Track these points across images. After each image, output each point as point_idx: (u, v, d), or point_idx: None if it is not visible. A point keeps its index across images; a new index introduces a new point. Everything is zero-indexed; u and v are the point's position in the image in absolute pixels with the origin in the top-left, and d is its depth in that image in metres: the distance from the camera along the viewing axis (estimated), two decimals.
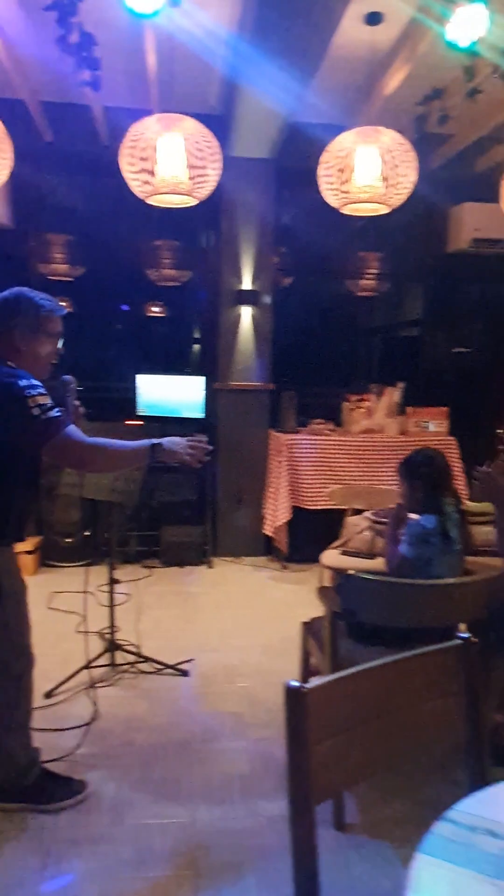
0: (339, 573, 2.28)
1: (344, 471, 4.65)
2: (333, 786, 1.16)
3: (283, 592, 4.33)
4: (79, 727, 2.56)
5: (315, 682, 1.08)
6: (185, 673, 3.07)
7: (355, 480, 4.55)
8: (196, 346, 6.74)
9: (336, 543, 3.03)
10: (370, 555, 2.78)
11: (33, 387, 1.84)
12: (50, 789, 2.14)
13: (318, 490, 4.52)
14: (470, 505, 2.82)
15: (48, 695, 2.78)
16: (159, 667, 3.09)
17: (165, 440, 1.97)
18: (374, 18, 3.41)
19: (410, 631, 2.11)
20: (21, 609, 2.04)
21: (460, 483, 3.96)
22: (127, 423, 4.75)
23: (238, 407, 4.99)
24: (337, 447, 4.69)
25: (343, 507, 3.55)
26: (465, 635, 1.24)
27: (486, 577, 2.14)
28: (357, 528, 3.03)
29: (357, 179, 3.25)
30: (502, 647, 2.22)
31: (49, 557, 4.61)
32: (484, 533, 2.61)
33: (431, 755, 2.12)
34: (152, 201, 3.29)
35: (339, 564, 2.63)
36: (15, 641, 2.03)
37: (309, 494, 4.59)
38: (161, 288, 5.82)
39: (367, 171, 3.24)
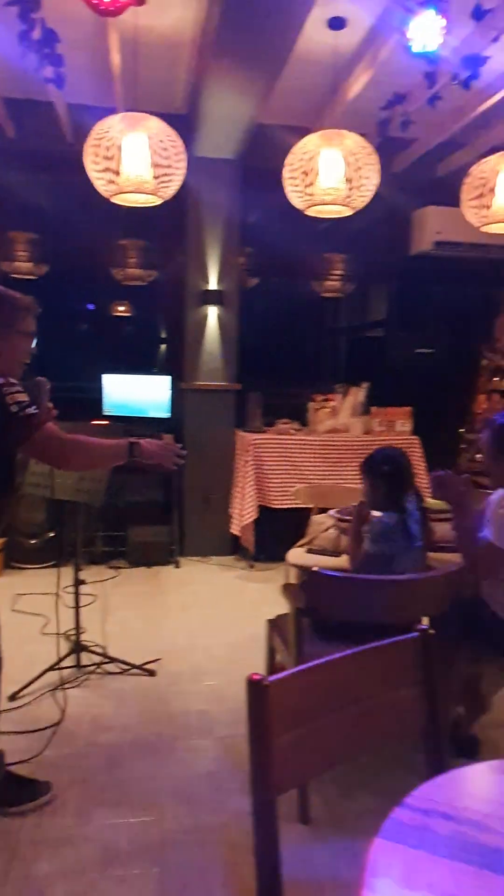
0: (304, 570, 2.31)
1: (309, 470, 4.69)
2: (295, 777, 1.18)
3: (250, 591, 4.35)
4: (44, 729, 2.53)
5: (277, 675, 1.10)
6: (151, 673, 3.07)
7: (321, 479, 4.60)
8: (162, 346, 6.73)
9: (302, 542, 3.06)
10: (335, 552, 2.82)
11: (10, 384, 1.84)
12: (15, 792, 2.13)
13: (284, 489, 4.55)
14: (431, 502, 2.88)
15: (12, 697, 2.75)
16: (125, 667, 3.08)
17: (143, 440, 1.98)
18: (337, 23, 3.46)
19: (374, 626, 2.15)
20: None
21: (423, 481, 4.03)
22: (93, 423, 4.72)
23: (204, 407, 5.00)
24: (302, 447, 4.74)
25: (309, 505, 3.59)
26: (424, 627, 1.27)
27: (446, 572, 2.19)
28: (322, 526, 3.07)
29: (321, 182, 3.29)
30: (462, 641, 2.28)
31: (13, 559, 4.55)
32: (445, 529, 2.68)
33: (392, 746, 2.16)
34: (117, 200, 3.28)
35: (304, 562, 2.66)
36: None
37: (275, 494, 4.62)
38: (127, 287, 5.80)
39: (331, 174, 3.28)
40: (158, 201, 3.29)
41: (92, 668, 3.07)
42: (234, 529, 4.77)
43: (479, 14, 2.95)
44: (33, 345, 2.05)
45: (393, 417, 4.91)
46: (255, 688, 1.03)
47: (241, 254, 5.13)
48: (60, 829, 2.04)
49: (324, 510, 3.28)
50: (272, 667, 2.68)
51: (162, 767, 2.38)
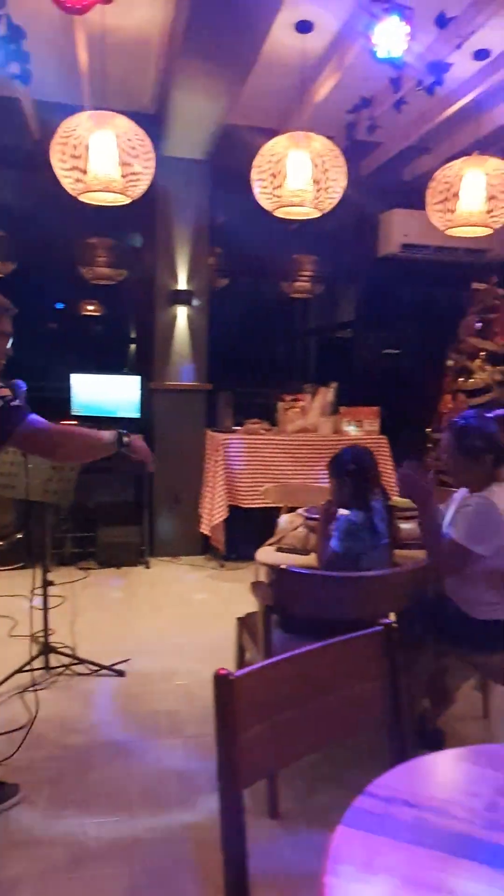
0: (273, 569, 2.34)
1: (279, 469, 4.72)
2: (262, 769, 1.20)
3: (220, 591, 4.36)
4: (14, 731, 2.51)
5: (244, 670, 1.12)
6: (121, 673, 3.06)
7: (290, 479, 4.64)
8: (132, 346, 6.69)
9: (271, 540, 3.09)
10: (305, 551, 2.85)
11: None
12: None
13: (253, 489, 4.57)
14: (398, 500, 2.93)
15: None
16: (95, 668, 3.06)
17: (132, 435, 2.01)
18: (304, 27, 3.49)
19: (341, 622, 2.18)
20: None
21: (391, 480, 4.10)
22: (62, 423, 4.66)
23: (174, 407, 5.00)
24: (272, 446, 4.77)
25: (278, 504, 3.62)
26: (388, 621, 1.30)
27: (411, 568, 2.24)
28: (291, 525, 3.10)
29: (289, 183, 3.32)
30: (427, 636, 2.33)
31: None
32: (411, 527, 2.73)
33: (360, 739, 2.20)
34: (85, 198, 3.27)
35: (273, 561, 2.69)
36: None
37: (245, 493, 4.64)
38: (96, 286, 5.76)
39: (299, 176, 3.31)
40: (127, 200, 3.28)
41: (61, 669, 3.05)
42: (205, 529, 4.78)
43: (442, 21, 3.01)
44: (9, 346, 2.05)
45: (361, 417, 4.97)
46: (222, 682, 1.04)
47: (210, 254, 5.14)
48: (29, 830, 2.03)
49: (293, 509, 3.31)
50: (242, 664, 2.70)
51: (132, 767, 2.38)
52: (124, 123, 3.14)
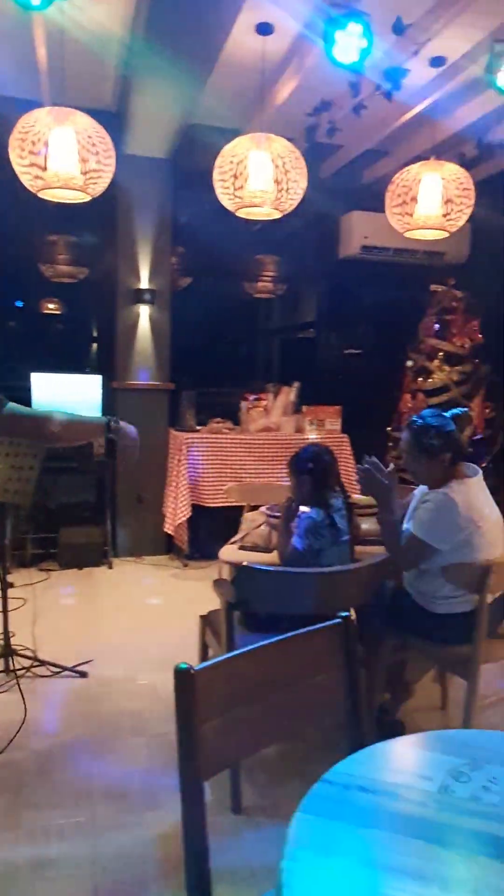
0: (235, 566, 2.36)
1: (242, 468, 4.75)
2: (223, 760, 1.22)
3: (184, 590, 4.36)
4: None
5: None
6: (83, 675, 3.04)
7: (253, 477, 4.67)
8: (94, 345, 6.63)
9: (234, 539, 3.11)
10: (267, 548, 2.88)
11: None
12: None
13: (217, 488, 4.59)
14: (359, 498, 2.99)
15: None
16: (57, 670, 3.04)
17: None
18: (265, 29, 3.51)
19: (303, 618, 2.21)
20: None
21: (352, 477, 4.16)
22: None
23: (137, 406, 4.97)
24: (235, 445, 4.78)
25: (241, 503, 3.64)
26: (345, 614, 1.34)
27: (370, 564, 2.28)
28: (254, 523, 3.13)
29: (250, 184, 3.35)
30: (387, 630, 2.38)
31: None
32: (372, 523, 2.78)
33: (321, 732, 2.24)
34: (44, 196, 3.23)
35: (236, 559, 2.71)
36: None
37: (208, 492, 4.65)
38: (57, 284, 5.69)
39: (260, 176, 3.34)
40: (87, 198, 3.26)
41: (22, 671, 3.01)
42: (168, 528, 4.77)
43: (398, 28, 3.07)
44: None
45: (323, 416, 5.02)
46: (183, 676, 1.06)
47: (173, 253, 5.13)
48: None
49: (256, 507, 3.34)
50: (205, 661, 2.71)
51: (94, 768, 2.37)
52: (84, 120, 3.12)
